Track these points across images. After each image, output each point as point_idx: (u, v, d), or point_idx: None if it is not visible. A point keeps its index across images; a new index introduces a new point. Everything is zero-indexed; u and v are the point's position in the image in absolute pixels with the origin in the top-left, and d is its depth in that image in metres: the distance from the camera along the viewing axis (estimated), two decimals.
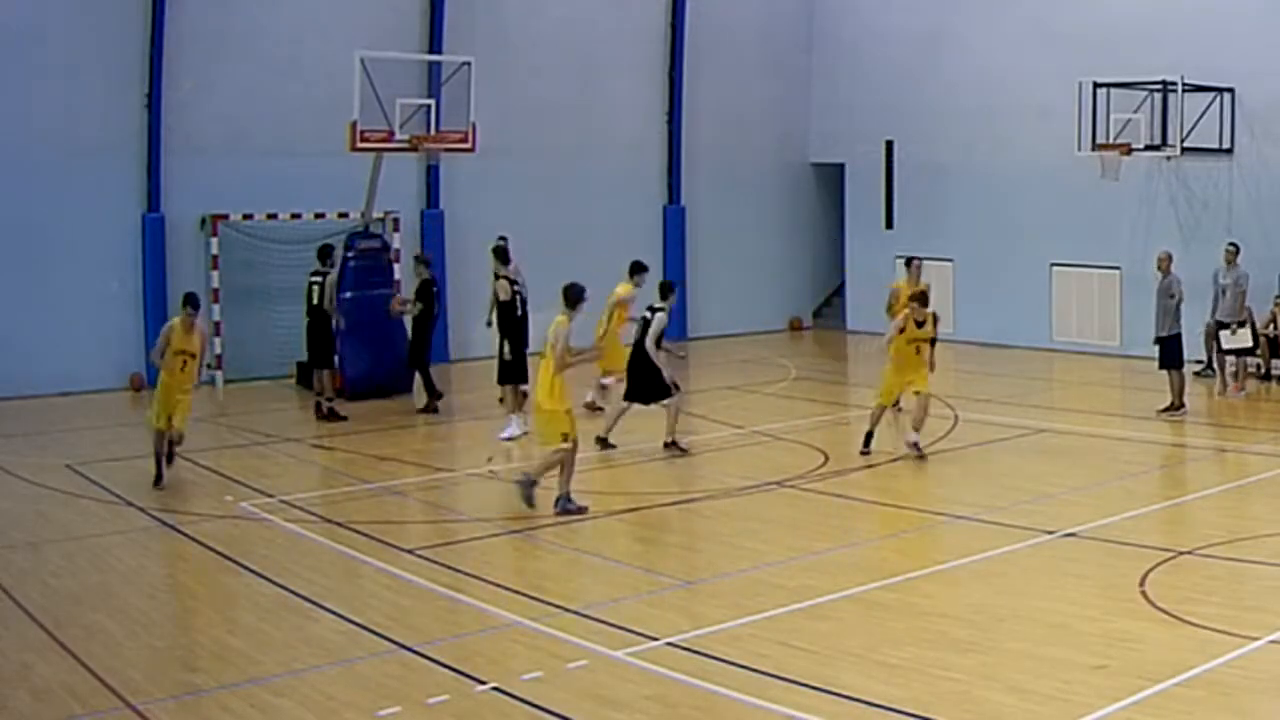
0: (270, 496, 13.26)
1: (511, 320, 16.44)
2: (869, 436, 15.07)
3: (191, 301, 13.86)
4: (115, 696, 7.97)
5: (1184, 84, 20.15)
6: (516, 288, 16.61)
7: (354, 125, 18.31)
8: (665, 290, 15.64)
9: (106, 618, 9.69)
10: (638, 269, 17.27)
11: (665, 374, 15.08)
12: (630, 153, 25.61)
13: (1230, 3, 21.27)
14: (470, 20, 23.02)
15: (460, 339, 23.01)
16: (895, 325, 15.06)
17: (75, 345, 19.66)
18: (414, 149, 19.40)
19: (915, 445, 14.83)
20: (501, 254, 17.03)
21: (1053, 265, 24.09)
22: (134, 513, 12.69)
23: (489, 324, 17.33)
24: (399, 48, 21.42)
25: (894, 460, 14.88)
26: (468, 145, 19.71)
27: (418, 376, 18.48)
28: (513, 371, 16.32)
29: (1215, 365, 19.87)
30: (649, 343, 15.03)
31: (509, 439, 15.97)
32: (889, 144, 26.50)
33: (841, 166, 27.58)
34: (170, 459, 13.79)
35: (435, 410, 18.01)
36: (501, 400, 17.03)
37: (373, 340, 19.32)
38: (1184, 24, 21.51)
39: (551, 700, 7.85)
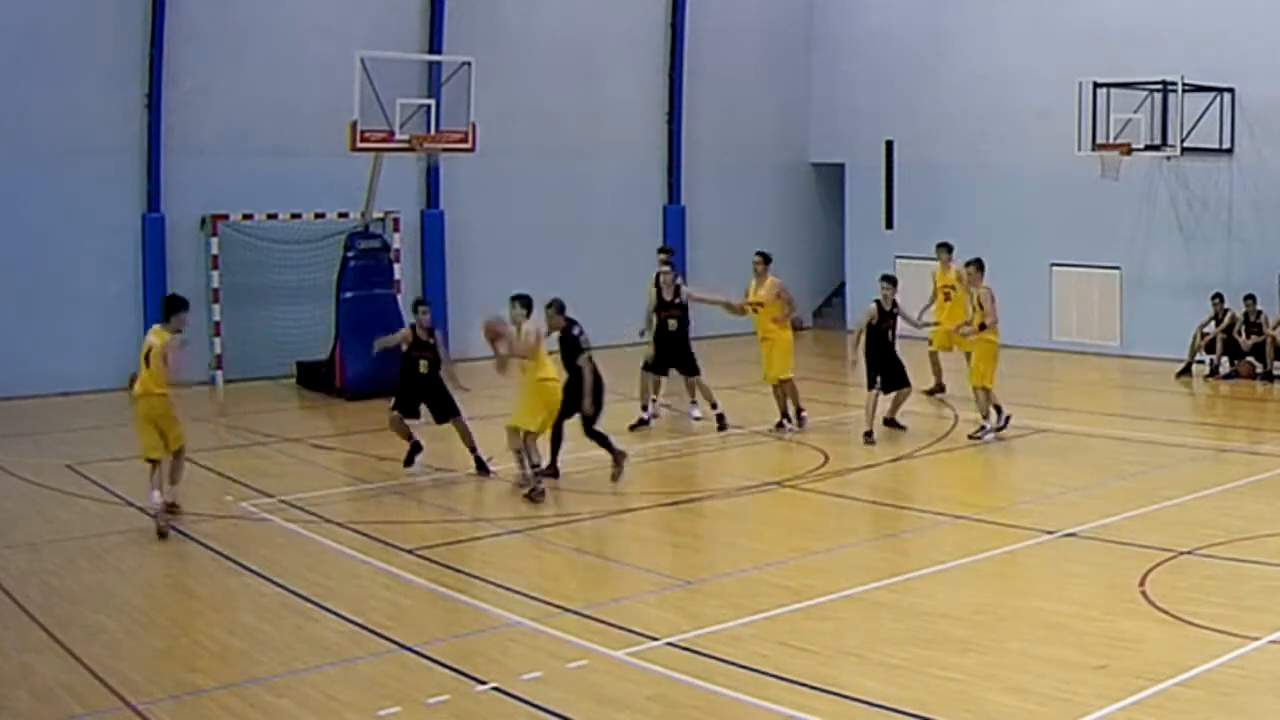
0: (270, 496, 13.26)
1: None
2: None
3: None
4: (115, 696, 7.97)
5: (1184, 84, 20.15)
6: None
7: (354, 125, 18.31)
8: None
9: (106, 618, 9.68)
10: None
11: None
12: (630, 153, 25.62)
13: (1230, 3, 21.27)
14: (470, 20, 23.02)
15: (460, 339, 23.00)
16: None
17: (75, 345, 19.65)
18: (414, 149, 19.40)
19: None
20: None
21: (1053, 265, 24.09)
22: (134, 513, 12.68)
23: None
24: (399, 48, 21.43)
25: (895, 460, 14.89)
26: (468, 145, 19.70)
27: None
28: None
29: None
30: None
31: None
32: (889, 144, 26.50)
33: (841, 166, 27.59)
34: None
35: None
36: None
37: (373, 340, 19.31)
38: (1184, 24, 21.51)
39: (551, 700, 7.85)
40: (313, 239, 21.33)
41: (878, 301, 16.19)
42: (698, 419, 17.13)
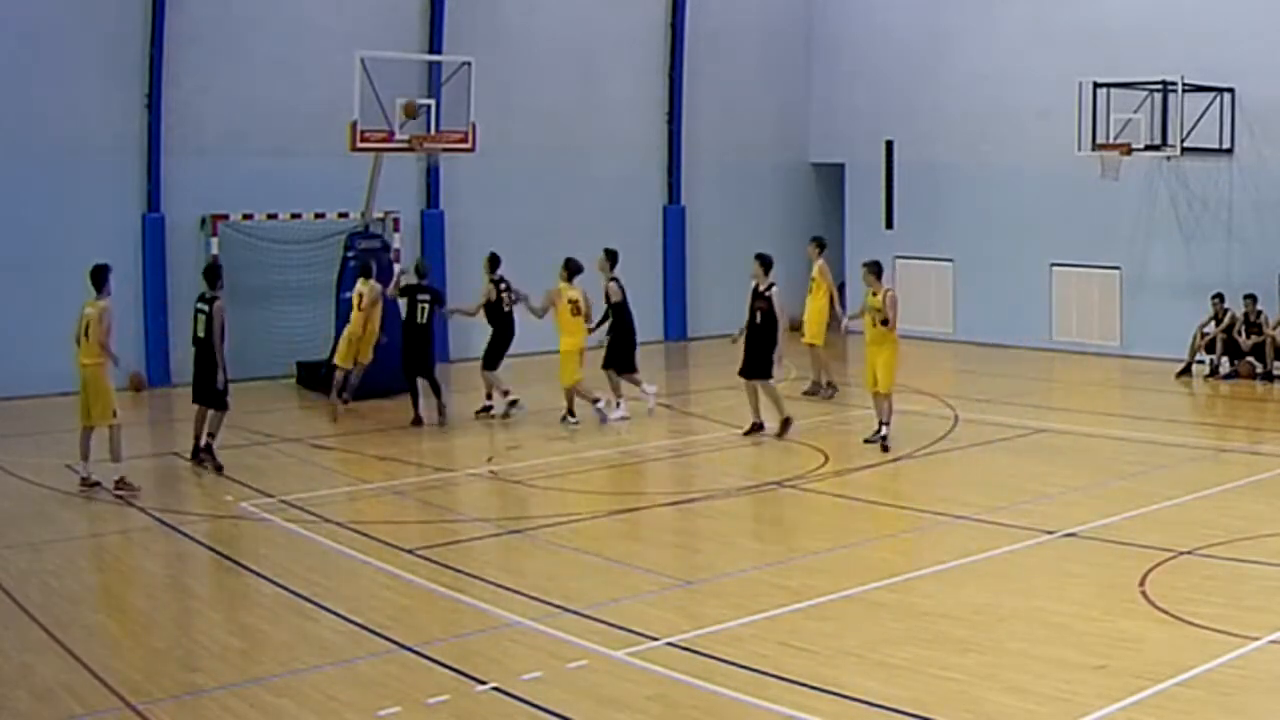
0: (270, 496, 13.26)
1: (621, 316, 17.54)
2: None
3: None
4: (115, 696, 7.97)
5: (1184, 84, 20.14)
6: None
7: (354, 125, 18.32)
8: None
9: (106, 618, 9.69)
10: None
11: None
12: (630, 153, 25.62)
13: (1230, 3, 21.28)
14: (470, 20, 23.03)
15: (460, 339, 23.01)
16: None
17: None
18: (414, 149, 19.40)
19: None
20: (613, 257, 17.71)
21: (1053, 265, 24.10)
22: (134, 513, 12.69)
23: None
24: (399, 48, 21.42)
25: (895, 460, 14.89)
26: (468, 145, 19.70)
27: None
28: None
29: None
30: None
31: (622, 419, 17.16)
32: (889, 144, 26.50)
33: (841, 166, 27.59)
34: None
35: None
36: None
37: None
38: (1184, 24, 21.52)
39: (551, 700, 7.85)
40: (313, 239, 21.33)
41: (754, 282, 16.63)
42: (654, 409, 17.63)
